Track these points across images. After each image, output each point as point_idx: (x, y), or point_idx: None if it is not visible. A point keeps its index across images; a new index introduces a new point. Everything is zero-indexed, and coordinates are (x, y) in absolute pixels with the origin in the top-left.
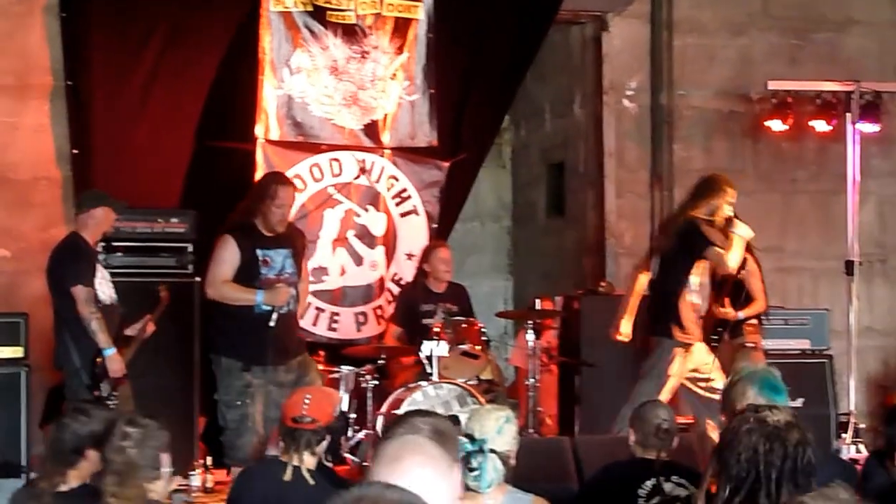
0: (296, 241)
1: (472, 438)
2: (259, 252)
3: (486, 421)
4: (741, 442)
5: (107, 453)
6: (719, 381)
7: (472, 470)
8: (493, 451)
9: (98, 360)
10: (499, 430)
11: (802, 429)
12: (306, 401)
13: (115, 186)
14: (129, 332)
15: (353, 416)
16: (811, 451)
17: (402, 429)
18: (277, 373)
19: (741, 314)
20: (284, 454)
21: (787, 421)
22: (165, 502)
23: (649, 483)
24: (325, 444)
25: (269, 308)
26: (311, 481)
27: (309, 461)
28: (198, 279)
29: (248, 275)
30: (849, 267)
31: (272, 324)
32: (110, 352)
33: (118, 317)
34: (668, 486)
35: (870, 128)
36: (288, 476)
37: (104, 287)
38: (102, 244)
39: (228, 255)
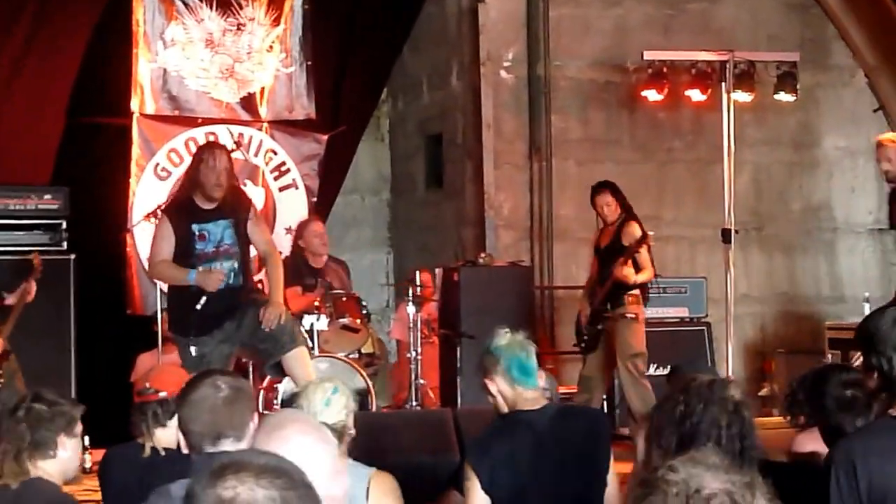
0: (238, 212)
1: None
2: (195, 227)
3: (314, 395)
4: (668, 402)
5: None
6: None
7: None
8: (323, 424)
9: None
10: (326, 402)
11: (739, 389)
12: (150, 374)
13: None
14: (8, 301)
15: None
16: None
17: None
18: (223, 331)
19: (638, 278)
20: (137, 432)
21: (710, 379)
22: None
23: None
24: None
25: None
26: (162, 455)
27: (163, 437)
28: (72, 256)
29: (184, 251)
30: (725, 235)
31: (199, 307)
32: None
33: None
34: None
35: (744, 97)
36: (147, 454)
37: None
38: None
39: (161, 234)
